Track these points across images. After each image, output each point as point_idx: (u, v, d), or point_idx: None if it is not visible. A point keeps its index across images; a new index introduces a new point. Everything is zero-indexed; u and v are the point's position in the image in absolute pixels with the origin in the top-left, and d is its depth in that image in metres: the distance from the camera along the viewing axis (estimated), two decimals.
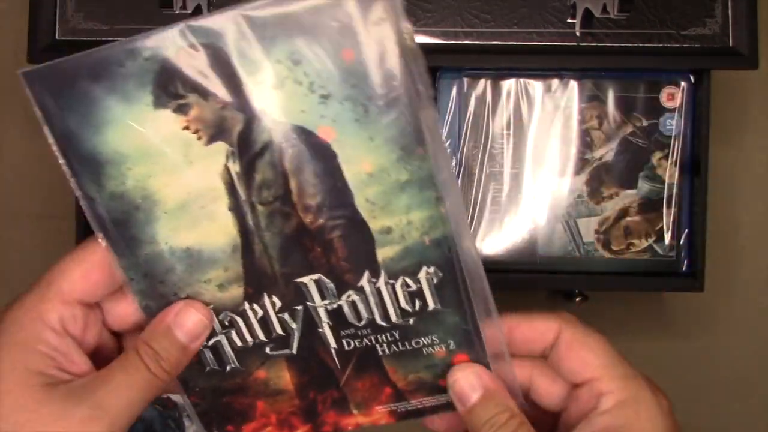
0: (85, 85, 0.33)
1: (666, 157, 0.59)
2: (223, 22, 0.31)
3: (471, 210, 0.59)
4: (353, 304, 0.37)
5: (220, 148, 0.34)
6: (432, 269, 0.36)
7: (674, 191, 0.59)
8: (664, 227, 0.59)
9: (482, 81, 0.58)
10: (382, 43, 0.31)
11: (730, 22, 0.55)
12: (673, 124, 0.59)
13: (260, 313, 0.37)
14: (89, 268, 0.34)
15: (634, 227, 0.59)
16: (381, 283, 0.36)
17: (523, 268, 0.59)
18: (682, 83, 0.58)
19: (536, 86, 0.59)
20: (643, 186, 0.59)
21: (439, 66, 0.58)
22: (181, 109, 0.33)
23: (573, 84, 0.58)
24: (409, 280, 0.36)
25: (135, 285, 0.36)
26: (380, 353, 0.38)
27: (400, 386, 0.39)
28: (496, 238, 0.59)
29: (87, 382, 0.33)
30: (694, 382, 0.66)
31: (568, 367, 0.36)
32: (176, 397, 0.62)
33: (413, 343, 0.38)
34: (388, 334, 0.38)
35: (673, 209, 0.59)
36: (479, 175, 0.59)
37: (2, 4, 0.64)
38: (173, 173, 0.34)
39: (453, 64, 0.57)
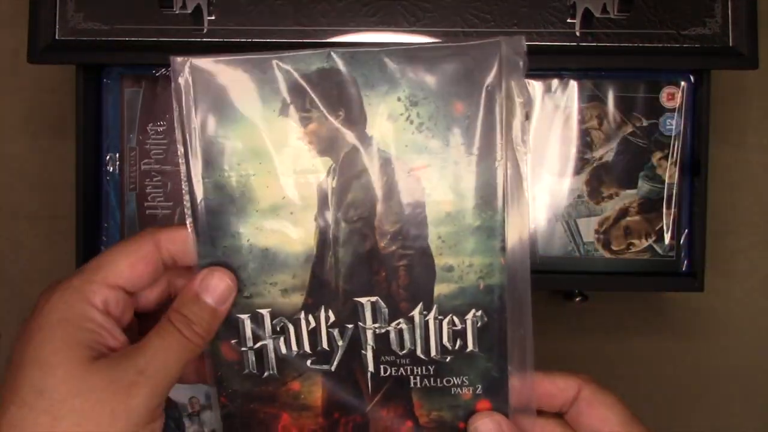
0: (227, 82, 0.37)
1: (666, 157, 0.59)
2: (367, 56, 0.36)
3: None
4: (400, 332, 0.39)
5: (325, 162, 0.37)
6: (480, 312, 0.38)
7: (674, 191, 0.59)
8: (664, 227, 0.59)
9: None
10: (491, 106, 0.36)
11: (730, 22, 0.55)
12: (673, 124, 0.59)
13: (312, 324, 0.39)
14: (136, 261, 0.37)
15: (634, 227, 0.59)
16: (431, 317, 0.38)
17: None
18: (682, 83, 0.58)
19: (536, 86, 0.59)
20: (643, 186, 0.59)
21: None
22: (302, 122, 0.37)
23: (573, 84, 0.58)
24: (456, 319, 0.38)
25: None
26: (411, 385, 0.40)
27: (421, 422, 0.40)
28: None
29: (128, 352, 0.35)
30: (694, 382, 0.66)
31: (588, 424, 0.38)
32: (177, 397, 0.63)
33: (444, 381, 0.39)
34: (423, 368, 0.39)
35: (673, 209, 0.59)
36: None
37: (2, 4, 0.64)
38: (276, 177, 0.37)
39: None
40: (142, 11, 0.55)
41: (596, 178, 0.59)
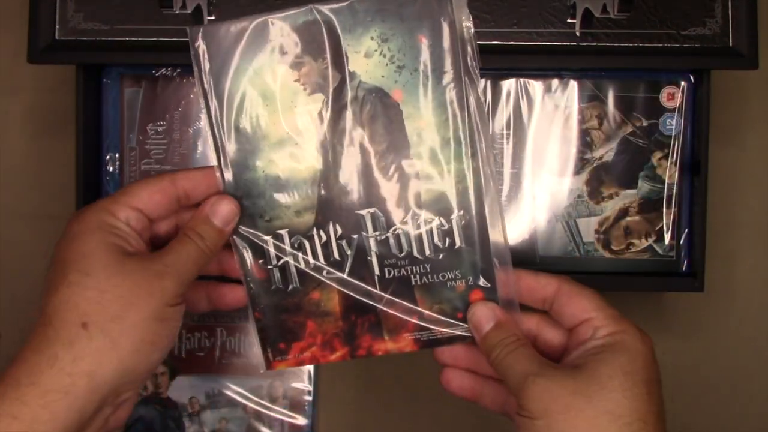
0: (233, 41, 0.44)
1: (666, 157, 0.59)
2: (339, 6, 0.43)
3: None
4: (398, 237, 0.45)
5: (319, 98, 0.44)
6: (462, 212, 0.45)
7: (674, 191, 0.59)
8: (664, 227, 0.59)
9: (482, 81, 0.59)
10: (445, 33, 0.43)
11: (730, 22, 0.55)
12: (673, 124, 0.59)
13: (324, 238, 0.45)
14: (153, 191, 0.44)
15: (634, 227, 0.59)
16: (422, 220, 0.45)
17: (523, 268, 0.59)
18: (682, 83, 0.58)
19: (536, 86, 0.59)
20: (643, 186, 0.59)
21: None
22: (297, 66, 0.44)
23: (573, 84, 0.58)
24: (443, 220, 0.45)
25: None
26: (413, 283, 0.46)
27: (425, 315, 0.46)
28: None
29: (154, 254, 0.43)
30: (694, 382, 0.66)
31: (568, 312, 0.44)
32: (177, 397, 0.62)
33: (440, 276, 0.46)
34: (421, 266, 0.46)
35: (673, 209, 0.59)
36: None
37: (2, 4, 0.64)
38: (280, 114, 0.44)
39: None
40: (142, 11, 0.55)
41: (596, 178, 0.59)
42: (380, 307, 0.46)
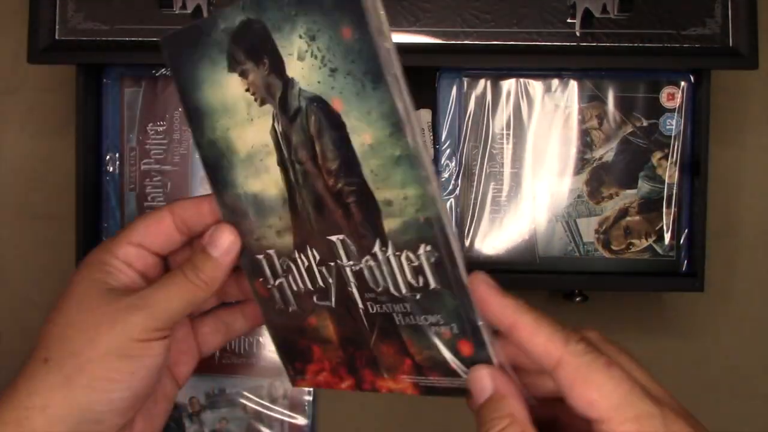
0: (190, 49, 0.39)
1: (666, 157, 0.59)
2: (265, 1, 0.36)
3: (471, 210, 0.59)
4: (371, 269, 0.39)
5: (269, 109, 0.39)
6: (429, 247, 0.37)
7: (674, 191, 0.59)
8: (664, 227, 0.59)
9: (482, 81, 0.58)
10: (369, 24, 0.34)
11: (730, 22, 0.55)
12: (673, 124, 0.59)
13: (306, 262, 0.41)
14: (150, 223, 0.42)
15: (634, 227, 0.59)
16: (390, 253, 0.38)
17: (523, 268, 0.59)
18: (682, 83, 0.58)
19: (536, 86, 0.59)
20: (643, 186, 0.59)
21: (439, 66, 0.58)
22: (244, 74, 0.38)
23: (573, 84, 0.58)
24: (411, 255, 0.37)
25: (226, 219, 0.42)
26: (397, 322, 0.40)
27: (417, 360, 0.40)
28: (496, 238, 0.59)
29: (138, 288, 0.41)
30: (694, 382, 0.66)
31: (575, 405, 0.33)
32: (177, 397, 0.62)
33: (422, 319, 0.39)
34: (401, 305, 0.39)
35: (673, 209, 0.59)
36: (479, 175, 0.59)
37: (2, 4, 0.64)
38: (242, 128, 0.39)
39: (453, 64, 0.57)
40: (142, 11, 0.55)
41: (596, 178, 0.59)
42: (372, 342, 0.41)
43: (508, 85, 0.59)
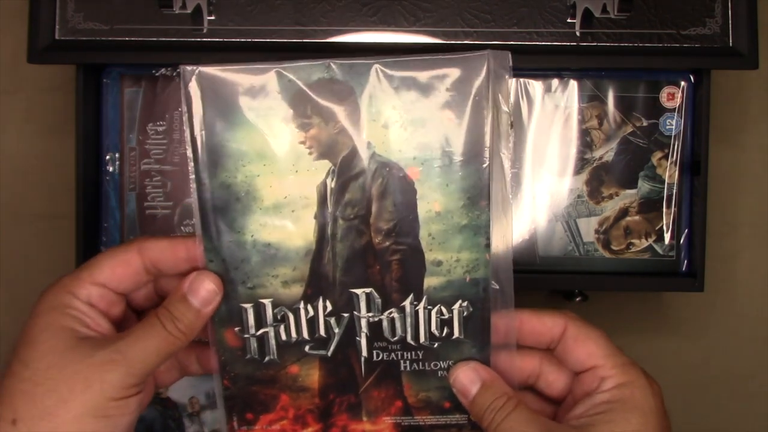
0: (232, 90, 0.39)
1: (666, 157, 0.59)
2: (364, 68, 0.39)
3: None
4: (392, 321, 0.42)
5: (325, 165, 0.40)
6: (465, 303, 0.42)
7: (674, 191, 0.59)
8: (664, 227, 0.59)
9: None
10: (479, 116, 0.39)
11: (730, 22, 0.55)
12: (673, 124, 0.59)
13: (311, 313, 0.42)
14: (117, 263, 0.40)
15: (634, 227, 0.59)
16: (421, 307, 0.42)
17: (523, 268, 0.59)
18: (682, 83, 0.58)
19: (536, 86, 0.59)
20: (643, 186, 0.59)
21: None
22: (304, 127, 0.40)
23: (573, 84, 0.58)
24: (444, 309, 0.42)
25: (211, 266, 0.41)
26: (402, 369, 0.43)
27: (410, 401, 0.44)
28: None
29: (111, 337, 0.39)
30: (694, 382, 0.66)
31: (574, 357, 0.42)
32: (177, 397, 0.62)
33: (432, 365, 0.43)
34: (413, 353, 0.43)
35: (673, 209, 0.59)
36: None
37: (2, 4, 0.64)
38: (279, 177, 0.40)
39: None
40: (142, 11, 0.55)
41: (596, 178, 0.59)
42: (363, 388, 0.43)
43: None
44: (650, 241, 0.59)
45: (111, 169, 0.59)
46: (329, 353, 0.43)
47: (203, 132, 0.39)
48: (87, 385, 0.37)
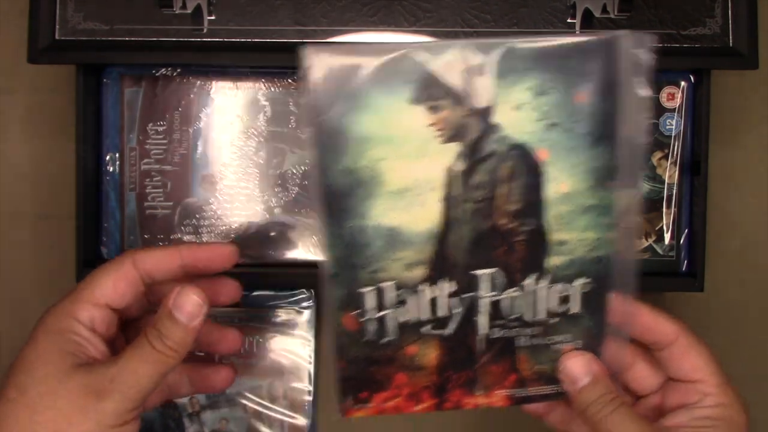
0: (356, 72, 0.38)
1: (666, 157, 0.59)
2: (495, 46, 0.38)
3: None
4: (512, 300, 0.43)
5: (454, 147, 0.40)
6: (587, 279, 0.42)
7: (674, 191, 0.59)
8: (664, 227, 0.59)
9: None
10: (611, 92, 0.39)
11: (730, 22, 0.55)
12: (673, 124, 0.59)
13: (433, 294, 0.42)
14: (117, 280, 0.40)
15: None
16: (542, 285, 0.42)
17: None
18: (682, 83, 0.58)
19: None
20: (643, 186, 0.59)
21: None
22: (434, 109, 0.39)
23: None
24: (566, 286, 0.42)
25: (332, 251, 0.41)
26: (518, 344, 0.44)
27: (524, 374, 0.45)
28: None
29: (105, 362, 0.39)
30: None
31: (678, 366, 0.44)
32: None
33: (548, 339, 0.44)
34: (531, 329, 0.43)
35: (673, 209, 0.59)
36: None
37: (2, 4, 0.64)
38: (405, 161, 0.39)
39: None
40: (142, 11, 0.55)
41: None
42: (479, 363, 0.44)
43: None
44: (650, 241, 0.59)
45: (111, 169, 0.59)
46: (450, 332, 0.43)
47: (326, 116, 0.38)
48: (84, 416, 0.37)
